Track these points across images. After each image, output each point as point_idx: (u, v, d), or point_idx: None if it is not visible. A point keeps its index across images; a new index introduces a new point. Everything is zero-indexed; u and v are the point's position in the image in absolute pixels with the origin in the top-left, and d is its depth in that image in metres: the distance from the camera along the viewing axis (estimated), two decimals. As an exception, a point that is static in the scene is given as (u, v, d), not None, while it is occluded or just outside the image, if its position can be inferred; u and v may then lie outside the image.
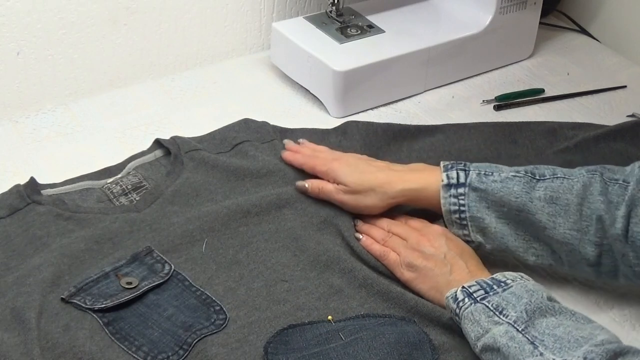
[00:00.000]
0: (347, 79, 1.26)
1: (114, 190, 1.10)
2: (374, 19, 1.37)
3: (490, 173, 1.00)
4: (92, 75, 1.31)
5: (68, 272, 0.97)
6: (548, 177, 0.98)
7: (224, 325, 0.92)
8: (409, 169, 1.05)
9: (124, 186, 1.10)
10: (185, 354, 0.89)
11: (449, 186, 1.00)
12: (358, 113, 1.30)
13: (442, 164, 1.03)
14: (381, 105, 1.32)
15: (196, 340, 0.90)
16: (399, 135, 1.22)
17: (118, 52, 1.31)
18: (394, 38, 1.33)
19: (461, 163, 1.02)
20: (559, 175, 0.98)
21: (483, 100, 1.34)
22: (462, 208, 1.00)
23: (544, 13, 1.48)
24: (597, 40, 1.54)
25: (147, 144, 1.17)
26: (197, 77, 1.37)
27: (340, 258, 1.00)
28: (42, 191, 1.07)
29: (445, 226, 1.02)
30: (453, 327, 0.93)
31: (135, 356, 0.89)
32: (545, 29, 1.52)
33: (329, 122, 1.27)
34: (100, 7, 1.27)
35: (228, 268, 0.99)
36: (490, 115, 1.31)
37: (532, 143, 1.22)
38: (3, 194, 1.06)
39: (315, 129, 1.22)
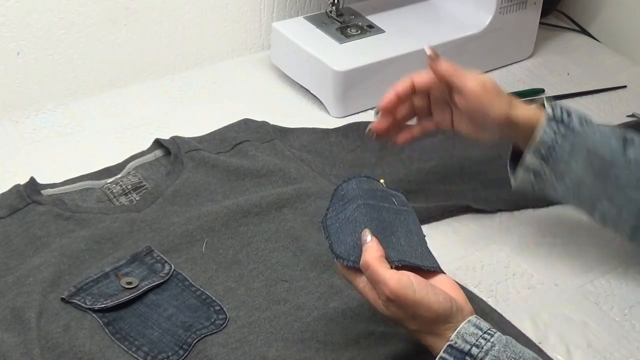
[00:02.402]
0: (347, 79, 1.26)
1: (114, 190, 1.10)
2: (374, 19, 1.37)
3: (590, 122, 0.98)
4: (92, 75, 1.31)
5: (68, 272, 0.97)
6: (637, 143, 0.97)
7: (224, 325, 0.92)
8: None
9: (124, 186, 1.10)
10: (185, 354, 0.89)
11: (552, 119, 0.96)
12: (358, 113, 1.30)
13: (545, 98, 0.99)
14: (381, 105, 1.32)
15: (196, 340, 0.90)
16: None
17: (118, 52, 1.31)
18: (394, 38, 1.33)
19: (562, 104, 0.99)
20: None
21: (483, 100, 1.33)
22: (555, 144, 0.96)
23: (544, 13, 1.48)
24: (597, 40, 1.54)
25: (147, 144, 1.17)
26: (197, 77, 1.37)
27: (340, 258, 1.00)
28: (42, 191, 1.07)
29: None
30: (453, 327, 0.93)
31: (135, 356, 0.89)
32: (545, 29, 1.52)
33: (329, 122, 1.27)
34: (100, 7, 1.27)
35: (228, 268, 0.99)
36: (490, 115, 1.31)
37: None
38: (3, 194, 1.06)
39: (316, 128, 1.23)
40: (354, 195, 0.87)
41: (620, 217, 0.98)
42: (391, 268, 0.80)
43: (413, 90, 1.02)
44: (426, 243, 0.87)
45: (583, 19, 1.56)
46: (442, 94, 1.02)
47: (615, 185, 0.96)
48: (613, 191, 0.97)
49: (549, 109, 0.97)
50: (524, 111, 0.98)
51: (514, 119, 0.98)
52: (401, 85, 1.02)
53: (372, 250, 0.81)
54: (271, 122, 1.21)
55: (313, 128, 1.23)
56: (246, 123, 1.20)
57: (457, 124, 1.03)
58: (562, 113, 0.97)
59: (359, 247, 0.82)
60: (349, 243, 0.83)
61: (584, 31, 1.56)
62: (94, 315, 0.92)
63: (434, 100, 1.04)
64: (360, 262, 0.81)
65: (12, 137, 1.22)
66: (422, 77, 1.02)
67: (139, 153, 1.15)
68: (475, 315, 0.81)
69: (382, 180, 0.92)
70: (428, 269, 0.83)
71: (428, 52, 1.00)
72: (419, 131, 1.06)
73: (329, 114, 1.30)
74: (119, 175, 1.12)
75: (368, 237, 0.82)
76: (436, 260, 0.85)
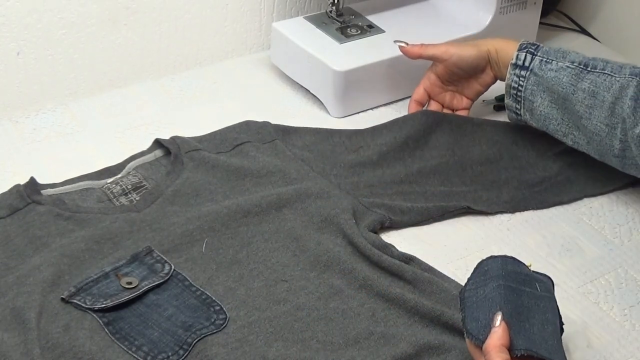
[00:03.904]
0: (347, 79, 1.26)
1: (114, 190, 1.10)
2: (374, 19, 1.37)
3: (550, 61, 1.14)
4: (92, 75, 1.31)
5: (68, 272, 0.97)
6: (597, 70, 1.10)
7: (224, 325, 0.92)
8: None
9: (124, 186, 1.10)
10: (185, 354, 0.89)
11: (515, 66, 1.16)
12: (358, 113, 1.30)
13: (519, 42, 1.17)
14: (381, 105, 1.32)
15: (196, 340, 0.90)
16: (403, 132, 1.21)
17: (118, 52, 1.31)
18: (394, 38, 1.33)
19: (534, 45, 1.16)
20: (606, 72, 1.10)
21: (483, 101, 1.33)
22: (520, 87, 1.16)
23: (544, 13, 1.48)
24: (597, 40, 1.54)
25: (147, 144, 1.17)
26: (197, 77, 1.37)
27: (340, 259, 1.00)
28: (42, 191, 1.07)
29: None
30: (453, 327, 0.93)
31: (135, 356, 0.89)
32: (545, 29, 1.52)
33: (329, 122, 1.27)
34: (100, 7, 1.27)
35: (228, 268, 0.99)
36: (490, 116, 1.31)
37: (532, 145, 1.22)
38: (3, 194, 1.06)
39: (320, 128, 1.22)
40: (497, 274, 0.88)
41: (590, 145, 1.12)
42: (516, 356, 0.81)
43: (427, 94, 1.26)
44: (560, 336, 0.87)
45: (583, 19, 1.56)
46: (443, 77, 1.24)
47: (575, 116, 1.11)
48: (579, 122, 1.11)
49: (514, 56, 1.16)
50: (494, 44, 1.20)
51: (490, 50, 1.19)
52: (416, 94, 1.26)
53: (496, 337, 0.82)
54: (272, 122, 1.21)
55: (317, 128, 1.22)
56: (247, 124, 1.20)
57: (471, 85, 1.24)
58: (525, 57, 1.15)
59: (489, 327, 0.83)
60: (482, 321, 0.84)
61: (584, 31, 1.56)
62: (94, 315, 0.92)
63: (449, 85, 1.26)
64: (483, 346, 0.82)
65: (12, 137, 1.22)
66: (428, 79, 1.26)
67: (139, 153, 1.15)
68: None
69: (529, 264, 0.93)
70: None
71: (398, 44, 1.25)
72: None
73: (329, 114, 1.30)
74: (119, 175, 1.12)
75: (497, 321, 0.83)
76: (565, 356, 0.85)
